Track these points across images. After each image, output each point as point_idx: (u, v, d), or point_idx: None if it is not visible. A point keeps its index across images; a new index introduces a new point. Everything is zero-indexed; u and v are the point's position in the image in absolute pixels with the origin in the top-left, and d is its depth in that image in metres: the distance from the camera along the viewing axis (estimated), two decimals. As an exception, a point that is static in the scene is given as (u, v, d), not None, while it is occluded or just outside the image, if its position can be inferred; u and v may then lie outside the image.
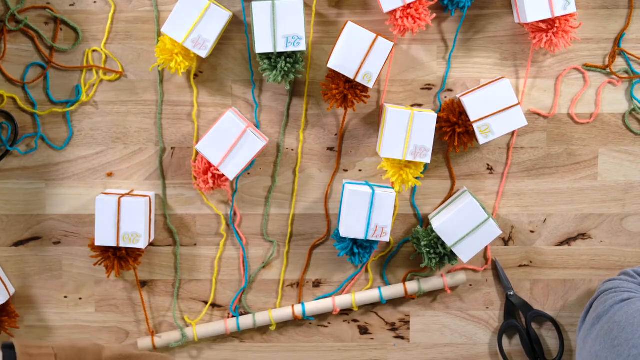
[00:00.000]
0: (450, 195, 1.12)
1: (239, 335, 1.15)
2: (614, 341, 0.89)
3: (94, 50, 1.09)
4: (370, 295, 1.12)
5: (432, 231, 1.07)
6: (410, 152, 1.03)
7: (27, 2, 1.08)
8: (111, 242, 1.04)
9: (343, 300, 1.12)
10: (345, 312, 1.15)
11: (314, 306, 1.12)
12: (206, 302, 1.14)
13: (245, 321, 1.12)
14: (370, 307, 1.15)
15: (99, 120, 1.11)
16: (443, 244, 1.06)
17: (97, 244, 1.05)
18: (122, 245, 1.04)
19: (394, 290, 1.12)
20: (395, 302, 1.15)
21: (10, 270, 1.13)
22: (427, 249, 1.07)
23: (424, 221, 1.13)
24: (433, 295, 1.14)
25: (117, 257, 1.07)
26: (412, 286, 1.12)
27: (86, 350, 0.86)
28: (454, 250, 1.05)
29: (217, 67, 1.10)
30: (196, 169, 1.07)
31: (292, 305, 1.13)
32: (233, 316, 1.14)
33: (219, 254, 1.13)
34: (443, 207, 1.10)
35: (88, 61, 1.09)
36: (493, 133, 1.04)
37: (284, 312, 1.13)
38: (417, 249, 1.10)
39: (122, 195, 1.06)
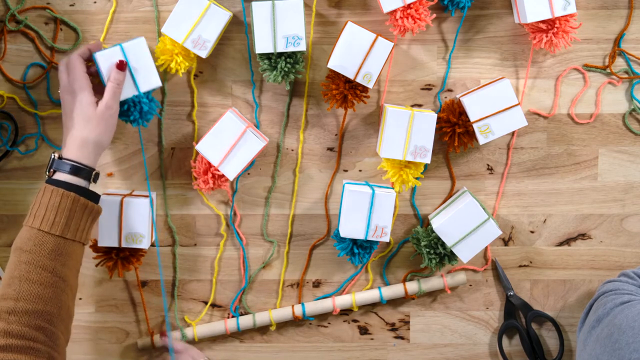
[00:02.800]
0: (450, 195, 1.12)
1: (239, 335, 1.15)
2: (615, 344, 0.88)
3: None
4: (370, 295, 1.12)
5: (432, 231, 1.07)
6: (410, 152, 1.03)
7: (27, 2, 1.08)
8: (114, 243, 1.05)
9: (343, 300, 1.12)
10: (345, 312, 1.15)
11: (314, 306, 1.12)
12: (206, 302, 1.14)
13: (246, 321, 1.12)
14: (370, 307, 1.15)
15: (99, 120, 1.10)
16: (443, 244, 1.06)
17: (99, 244, 1.05)
18: (124, 245, 1.05)
19: (394, 290, 1.12)
20: (395, 302, 1.15)
21: (10, 270, 1.13)
22: (427, 249, 1.07)
23: (424, 221, 1.13)
24: (433, 295, 1.14)
25: (120, 258, 1.06)
26: (412, 286, 1.12)
27: None
28: (454, 250, 1.05)
29: (217, 67, 1.10)
30: (196, 169, 1.07)
31: (292, 306, 1.13)
32: (233, 316, 1.14)
33: (219, 254, 1.13)
34: (443, 207, 1.10)
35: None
36: (493, 133, 1.04)
37: (284, 312, 1.13)
38: (417, 249, 1.10)
39: (125, 196, 1.06)
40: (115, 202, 1.04)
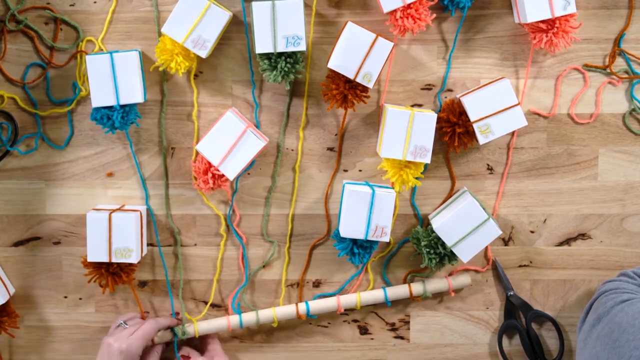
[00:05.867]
0: (450, 195, 1.12)
1: (239, 335, 1.15)
2: (615, 342, 0.89)
3: (88, 40, 1.09)
4: (375, 295, 1.12)
5: (432, 231, 1.07)
6: (410, 152, 1.03)
7: (27, 2, 1.08)
8: (103, 258, 1.05)
9: (348, 299, 1.12)
10: (346, 312, 1.15)
11: (318, 305, 1.12)
12: (206, 302, 1.14)
13: (248, 318, 1.12)
14: (370, 307, 1.15)
15: (99, 120, 1.11)
16: (443, 244, 1.06)
17: (89, 260, 1.05)
18: (114, 260, 1.04)
19: (399, 291, 1.12)
20: (395, 302, 1.14)
21: (10, 270, 1.13)
22: (427, 249, 1.07)
23: (424, 221, 1.13)
24: (434, 295, 1.14)
25: (110, 273, 1.07)
26: (417, 288, 1.12)
27: None
28: (454, 250, 1.05)
29: (217, 67, 1.10)
30: (196, 169, 1.07)
31: (296, 304, 1.12)
32: (235, 313, 1.13)
33: (220, 255, 1.13)
34: (443, 207, 1.10)
35: (82, 55, 1.09)
36: (493, 133, 1.04)
37: (288, 310, 1.12)
38: (417, 249, 1.10)
39: (113, 211, 1.06)
40: (103, 218, 1.04)
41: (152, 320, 1.09)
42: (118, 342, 1.04)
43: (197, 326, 1.12)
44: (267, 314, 1.12)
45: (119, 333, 1.06)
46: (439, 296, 1.14)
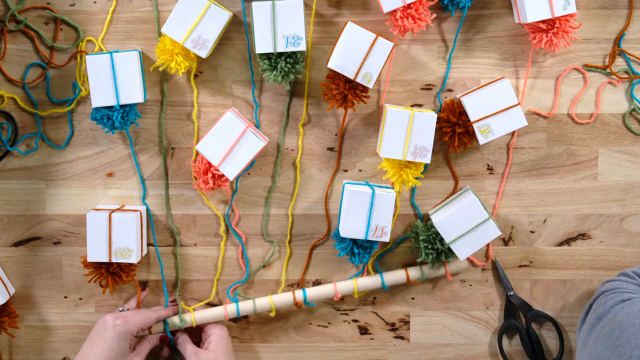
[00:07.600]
0: (452, 194, 1.12)
1: (239, 335, 1.15)
2: (616, 342, 0.89)
3: (88, 40, 1.09)
4: (372, 281, 1.11)
5: (432, 226, 1.07)
6: (410, 152, 1.03)
7: (27, 2, 1.08)
8: (103, 258, 1.05)
9: (345, 285, 1.11)
10: (345, 312, 1.15)
11: (315, 291, 1.11)
12: (206, 303, 1.14)
13: (245, 306, 1.11)
14: (370, 307, 1.15)
15: (99, 120, 1.11)
16: (441, 241, 1.06)
17: (89, 260, 1.05)
18: (114, 260, 1.05)
19: (396, 276, 1.11)
20: (395, 302, 1.14)
21: (10, 270, 1.13)
22: (425, 244, 1.07)
23: (424, 221, 1.13)
24: (433, 294, 1.14)
25: (111, 273, 1.07)
26: (414, 272, 1.11)
27: None
28: (452, 247, 1.05)
29: (217, 67, 1.10)
30: (196, 169, 1.07)
31: (293, 291, 1.12)
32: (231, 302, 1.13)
33: (222, 255, 1.13)
34: (444, 204, 1.10)
35: (82, 55, 1.09)
36: (493, 133, 1.04)
37: (285, 298, 1.11)
38: (414, 243, 1.10)
39: (113, 211, 1.06)
40: (103, 218, 1.04)
41: (152, 309, 1.10)
42: (114, 317, 1.04)
43: (194, 315, 1.11)
44: (265, 302, 1.11)
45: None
46: (440, 296, 1.14)
